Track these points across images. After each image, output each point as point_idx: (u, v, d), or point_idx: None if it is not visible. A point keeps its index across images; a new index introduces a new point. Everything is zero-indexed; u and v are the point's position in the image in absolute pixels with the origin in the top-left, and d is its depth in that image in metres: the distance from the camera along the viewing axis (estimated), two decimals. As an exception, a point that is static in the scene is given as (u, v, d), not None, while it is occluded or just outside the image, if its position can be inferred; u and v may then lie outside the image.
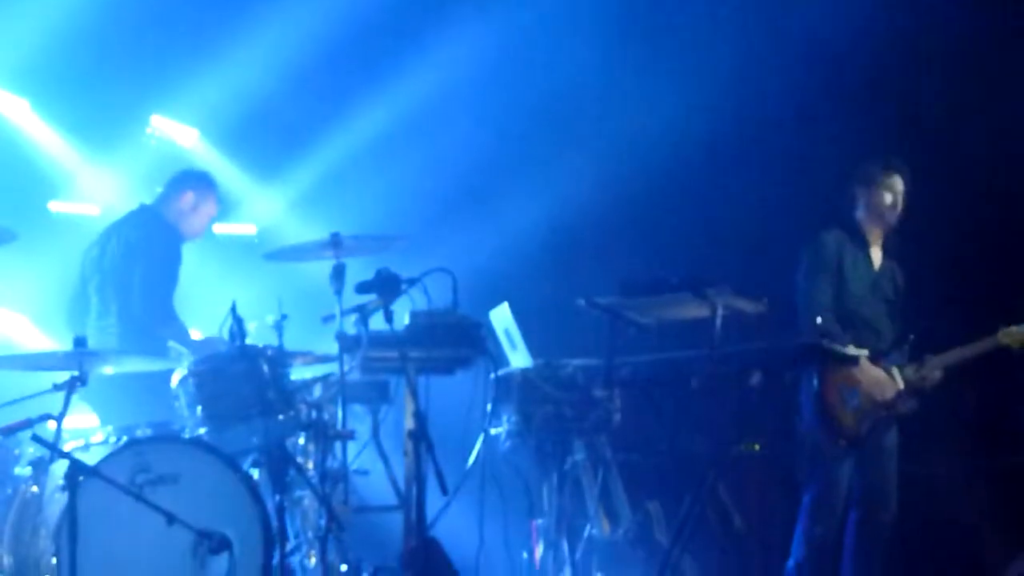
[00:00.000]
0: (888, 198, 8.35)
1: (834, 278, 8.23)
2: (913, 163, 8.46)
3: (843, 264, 8.28)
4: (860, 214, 8.44)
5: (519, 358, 7.66)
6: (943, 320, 8.54)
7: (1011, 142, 9.30)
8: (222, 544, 6.60)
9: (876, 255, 8.46)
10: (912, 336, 8.12)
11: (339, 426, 7.23)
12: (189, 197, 8.58)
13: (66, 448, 6.81)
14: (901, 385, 8.05)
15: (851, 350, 7.83)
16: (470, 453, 7.36)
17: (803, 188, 9.41)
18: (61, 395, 6.79)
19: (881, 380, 8.05)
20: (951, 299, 9.04)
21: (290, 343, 7.35)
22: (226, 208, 9.31)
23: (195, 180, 8.71)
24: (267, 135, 10.12)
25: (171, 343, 8.23)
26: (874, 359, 8.05)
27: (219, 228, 9.63)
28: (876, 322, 8.30)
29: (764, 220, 9.53)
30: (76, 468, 6.46)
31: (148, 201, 8.67)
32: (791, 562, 8.13)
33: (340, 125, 10.04)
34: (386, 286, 7.16)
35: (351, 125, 10.01)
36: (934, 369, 8.08)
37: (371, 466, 7.66)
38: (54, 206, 9.71)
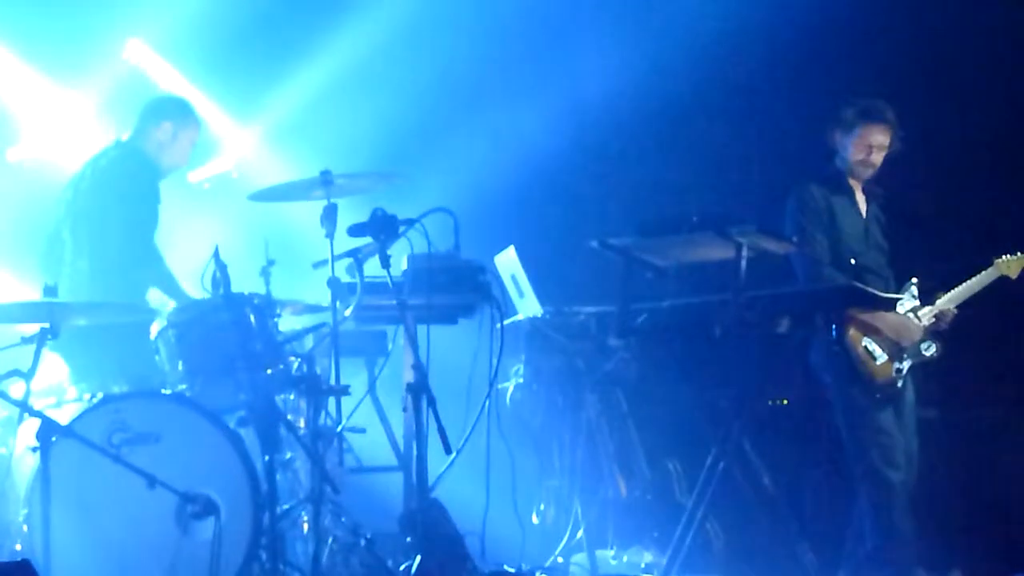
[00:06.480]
0: (862, 152, 7.97)
1: (828, 229, 7.94)
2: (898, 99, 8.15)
3: (835, 216, 7.97)
4: (839, 162, 8.08)
5: (527, 305, 7.61)
6: (936, 260, 8.40)
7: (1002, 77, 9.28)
8: (207, 508, 6.48)
9: (861, 202, 8.14)
10: (914, 279, 7.94)
11: (332, 380, 7.05)
12: (167, 127, 8.22)
13: (36, 406, 6.58)
14: (924, 325, 7.83)
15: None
16: (475, 409, 7.20)
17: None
18: (30, 349, 6.55)
19: (905, 324, 7.81)
20: (937, 238, 9.01)
21: (278, 291, 7.16)
22: (205, 141, 9.15)
23: (171, 107, 8.38)
24: (241, 64, 9.89)
25: (153, 290, 7.95)
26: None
27: (194, 175, 9.53)
28: (879, 270, 8.04)
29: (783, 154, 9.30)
30: (48, 427, 6.27)
31: (123, 137, 8.33)
32: (864, 500, 7.74)
33: (319, 52, 9.80)
34: (382, 228, 6.95)
35: (330, 52, 9.77)
36: (947, 305, 7.90)
37: (367, 423, 7.58)
38: (12, 154, 9.46)
